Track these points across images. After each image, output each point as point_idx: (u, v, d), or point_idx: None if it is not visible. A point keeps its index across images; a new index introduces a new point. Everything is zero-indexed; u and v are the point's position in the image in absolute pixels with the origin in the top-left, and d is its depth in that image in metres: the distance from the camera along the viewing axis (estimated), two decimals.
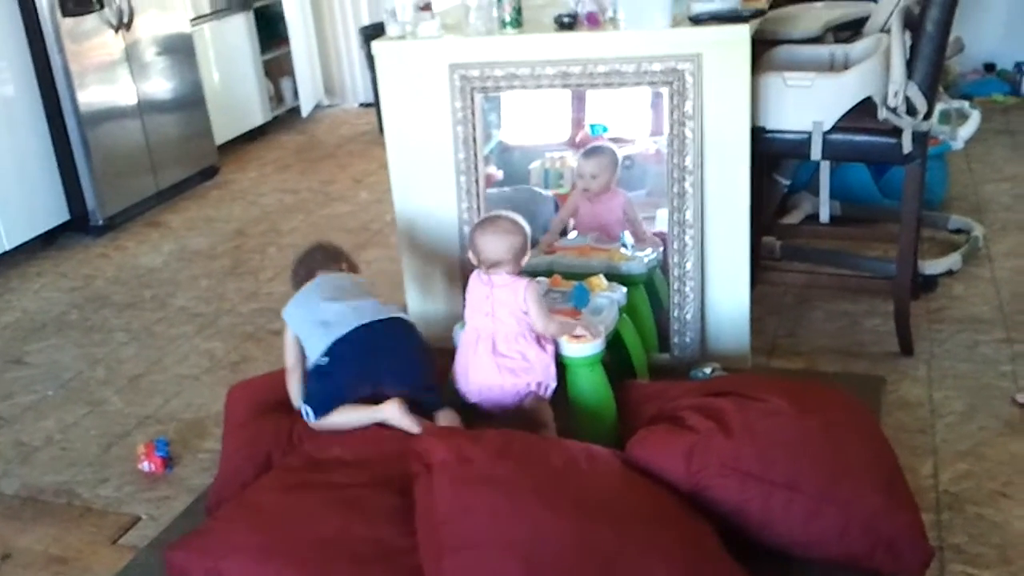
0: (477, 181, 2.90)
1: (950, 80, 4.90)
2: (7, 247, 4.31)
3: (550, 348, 2.43)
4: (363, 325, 2.42)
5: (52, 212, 4.56)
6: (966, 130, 3.44)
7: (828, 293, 3.34)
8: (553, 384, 2.44)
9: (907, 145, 2.73)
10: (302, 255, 2.79)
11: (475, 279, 2.47)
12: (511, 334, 2.39)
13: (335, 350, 2.40)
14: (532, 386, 2.41)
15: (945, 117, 3.28)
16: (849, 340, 3.08)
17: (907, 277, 2.94)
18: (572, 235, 3.06)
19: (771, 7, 3.12)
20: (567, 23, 2.78)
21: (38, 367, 3.42)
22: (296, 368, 2.53)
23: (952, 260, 3.43)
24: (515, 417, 2.40)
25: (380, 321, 2.44)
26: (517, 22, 2.81)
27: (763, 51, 3.02)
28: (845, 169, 3.83)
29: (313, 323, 2.46)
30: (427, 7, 2.89)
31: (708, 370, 2.79)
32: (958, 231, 3.73)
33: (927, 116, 2.73)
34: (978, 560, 2.11)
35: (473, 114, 2.83)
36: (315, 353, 2.43)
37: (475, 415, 2.46)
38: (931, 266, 3.38)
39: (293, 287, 2.70)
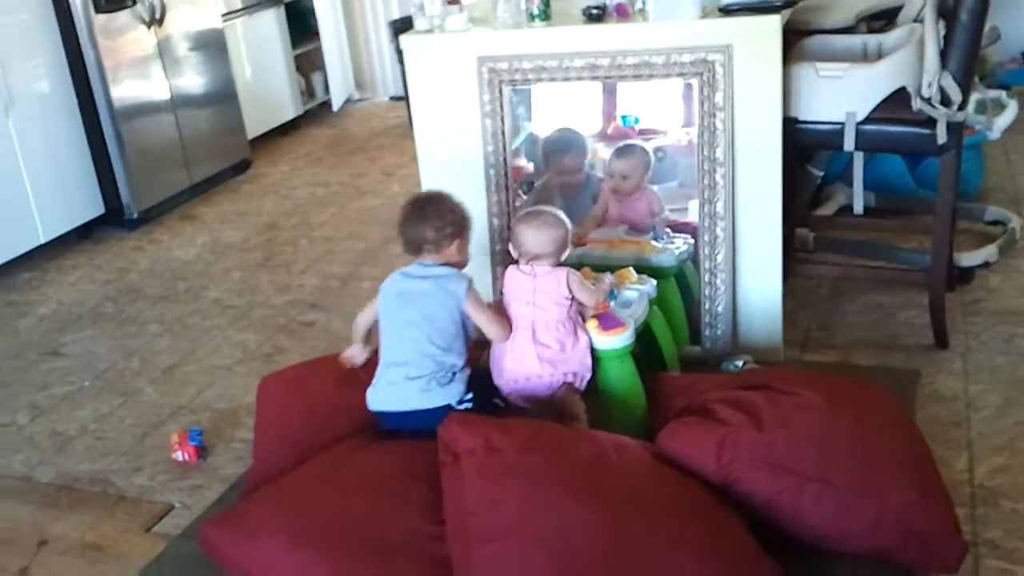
0: (506, 174, 2.90)
1: (987, 69, 4.81)
2: (43, 240, 4.37)
3: (584, 337, 2.43)
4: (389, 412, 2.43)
5: (87, 206, 4.62)
6: (1003, 120, 3.38)
7: (862, 285, 3.31)
8: (588, 375, 2.44)
9: (942, 135, 2.69)
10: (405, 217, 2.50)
11: (514, 271, 2.47)
12: (551, 321, 2.40)
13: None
14: (569, 376, 2.41)
15: (981, 107, 3.22)
16: (883, 333, 3.05)
17: (942, 269, 2.90)
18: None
19: None
20: (596, 15, 2.77)
21: (74, 358, 3.47)
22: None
23: (988, 252, 3.39)
24: (547, 409, 2.40)
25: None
26: (545, 14, 2.80)
27: (795, 41, 2.99)
28: (880, 160, 3.79)
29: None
30: (455, 1, 2.89)
31: (740, 363, 2.77)
32: (995, 222, 3.68)
33: (962, 106, 2.69)
34: (1014, 555, 2.08)
35: (501, 107, 2.83)
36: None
37: (506, 408, 2.46)
38: (967, 258, 3.34)
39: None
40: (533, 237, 2.44)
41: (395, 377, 2.38)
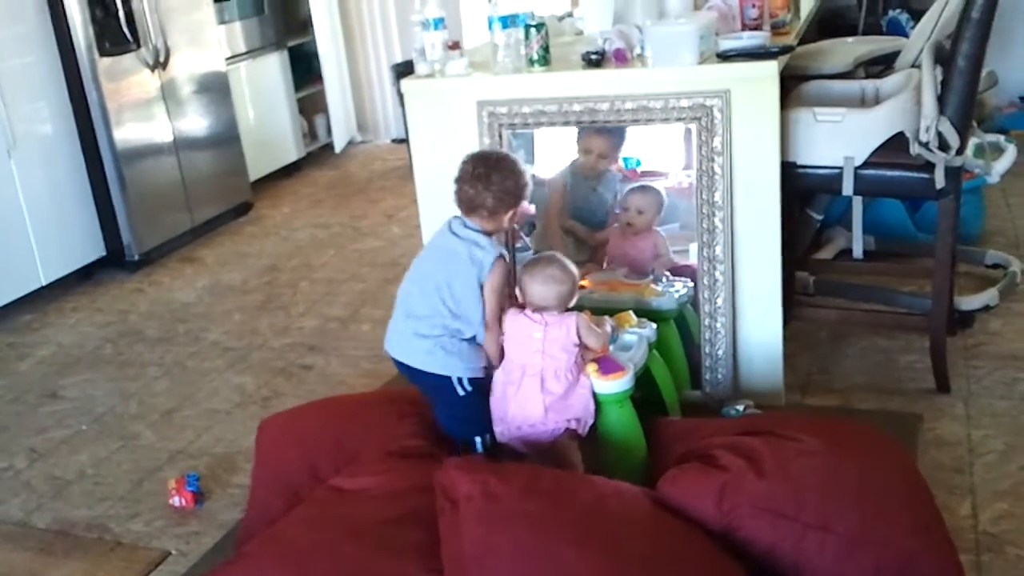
0: None
1: (985, 114, 4.85)
2: (44, 282, 4.38)
3: (586, 381, 2.41)
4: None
5: (88, 248, 4.63)
6: (1002, 164, 3.39)
7: (863, 329, 3.30)
8: (591, 420, 2.41)
9: (940, 180, 2.70)
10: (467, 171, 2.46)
11: (520, 316, 2.42)
12: (561, 369, 2.37)
13: None
14: (572, 423, 2.39)
15: (980, 151, 3.24)
16: (885, 377, 3.04)
17: (943, 313, 2.90)
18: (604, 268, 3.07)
19: (801, 43, 3.12)
20: (595, 60, 2.79)
21: (73, 401, 3.46)
22: None
23: (989, 295, 3.38)
24: (545, 456, 2.39)
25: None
26: (545, 60, 2.82)
27: (793, 86, 3.01)
28: (879, 204, 3.80)
29: None
30: (455, 46, 2.92)
31: (740, 407, 2.76)
32: (995, 266, 3.68)
33: (960, 151, 2.71)
34: None
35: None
36: None
37: (503, 453, 2.44)
38: (968, 302, 3.34)
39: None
40: (539, 292, 2.40)
41: (405, 328, 2.43)
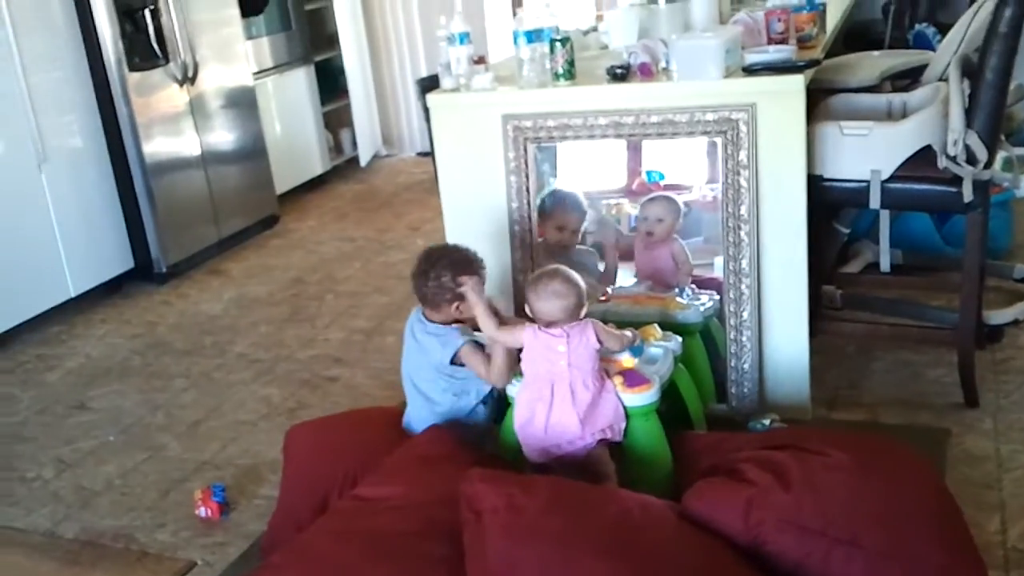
0: (531, 231, 2.91)
1: (1014, 127, 4.81)
2: (73, 294, 4.42)
3: (610, 384, 2.40)
4: None
5: (117, 260, 4.67)
6: None
7: (890, 343, 3.27)
8: (623, 423, 2.39)
9: (968, 194, 2.68)
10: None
11: (540, 333, 2.39)
12: (588, 377, 2.37)
13: None
14: (607, 432, 2.38)
15: (1008, 164, 3.22)
16: (912, 391, 3.01)
17: (970, 327, 2.88)
18: (631, 282, 3.06)
19: (827, 56, 3.11)
20: (620, 74, 2.79)
21: (100, 412, 3.49)
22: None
23: (1018, 309, 3.35)
24: (577, 468, 2.37)
25: None
26: (570, 74, 2.83)
27: (820, 100, 3.01)
28: (907, 217, 3.78)
29: None
30: (481, 60, 2.93)
31: (767, 421, 2.74)
32: None
33: (988, 164, 2.69)
34: None
35: (526, 164, 2.85)
36: None
37: (531, 467, 2.43)
38: (996, 316, 3.31)
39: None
40: (545, 308, 2.39)
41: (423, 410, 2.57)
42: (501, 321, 2.47)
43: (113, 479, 3.01)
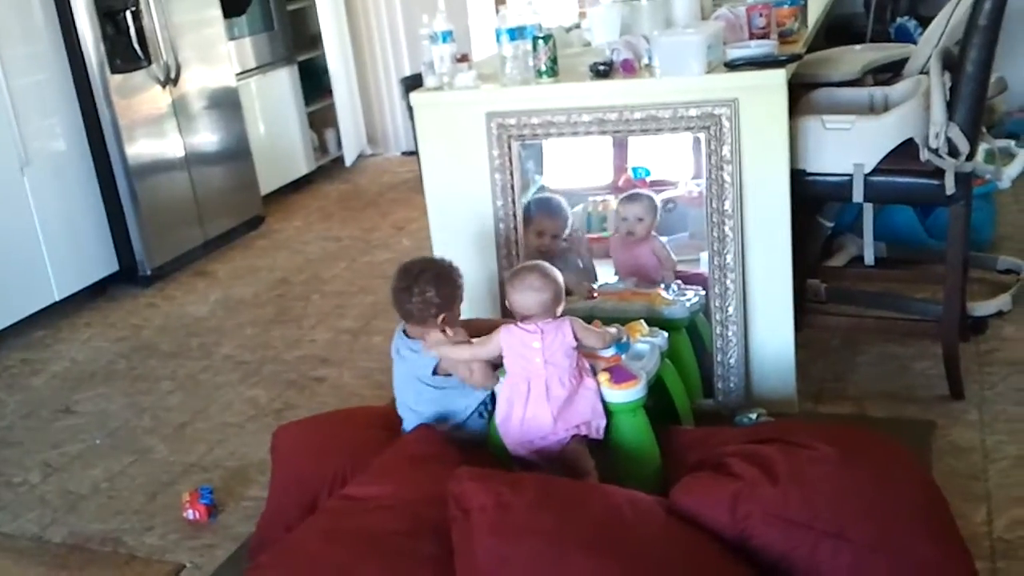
0: (516, 228, 2.91)
1: (995, 119, 4.84)
2: (57, 298, 4.40)
3: (591, 383, 2.41)
4: None
5: (101, 263, 4.65)
6: (1012, 169, 3.39)
7: (875, 336, 3.29)
8: (602, 422, 2.40)
9: (950, 186, 2.70)
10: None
11: (515, 329, 2.41)
12: (564, 375, 2.38)
13: None
14: (583, 429, 2.39)
15: (990, 156, 3.23)
16: (898, 384, 3.03)
17: (955, 319, 2.89)
18: (613, 279, 3.06)
19: (809, 51, 3.12)
20: (602, 71, 2.80)
21: (86, 416, 3.47)
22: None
23: (1002, 301, 3.37)
24: (557, 464, 2.38)
25: None
26: (553, 71, 2.83)
27: (802, 94, 3.02)
28: (890, 210, 3.79)
29: None
30: (464, 58, 2.94)
31: (753, 415, 2.75)
32: (1008, 271, 3.66)
33: (970, 157, 2.70)
34: None
35: (511, 162, 2.85)
36: None
37: (515, 463, 2.44)
38: (981, 307, 3.33)
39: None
40: (521, 301, 2.41)
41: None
42: (472, 331, 2.49)
43: (100, 483, 3.00)
